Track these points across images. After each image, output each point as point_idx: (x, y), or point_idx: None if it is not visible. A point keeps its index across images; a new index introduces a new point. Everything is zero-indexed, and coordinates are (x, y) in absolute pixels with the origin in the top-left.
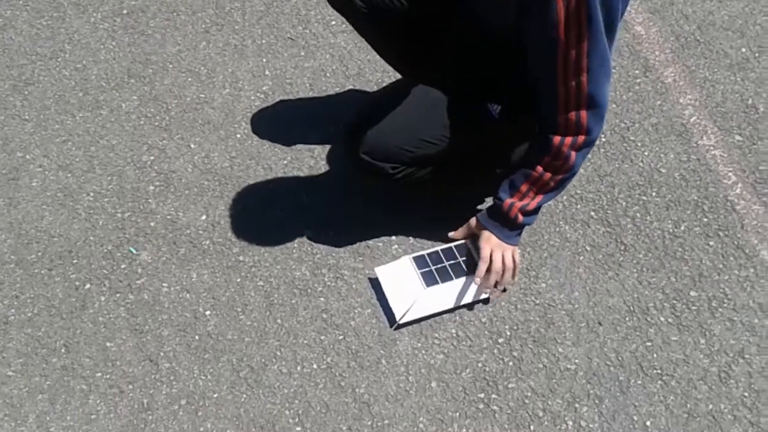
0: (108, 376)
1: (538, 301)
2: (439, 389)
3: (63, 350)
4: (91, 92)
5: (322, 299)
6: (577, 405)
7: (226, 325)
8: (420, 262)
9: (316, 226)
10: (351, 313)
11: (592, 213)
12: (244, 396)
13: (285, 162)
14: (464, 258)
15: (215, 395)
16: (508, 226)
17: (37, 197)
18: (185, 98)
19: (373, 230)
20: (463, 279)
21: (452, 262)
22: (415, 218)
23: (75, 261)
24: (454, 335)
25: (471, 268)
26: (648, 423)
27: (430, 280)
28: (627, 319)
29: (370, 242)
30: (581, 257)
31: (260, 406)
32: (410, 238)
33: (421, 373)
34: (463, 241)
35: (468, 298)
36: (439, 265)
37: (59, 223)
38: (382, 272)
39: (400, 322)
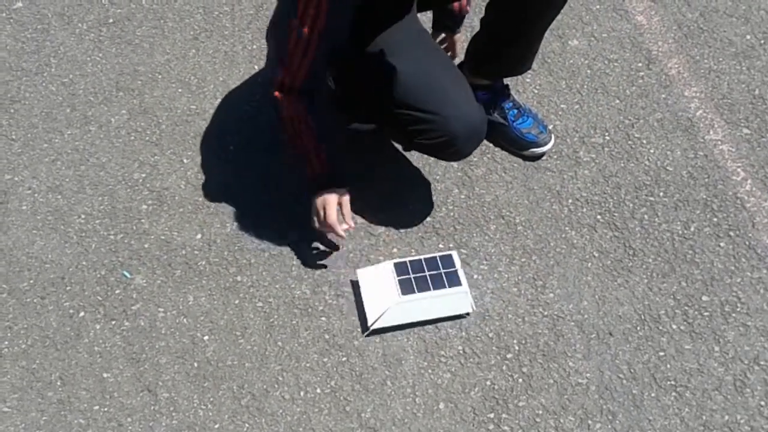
0: (106, 409)
1: (546, 313)
2: (448, 411)
3: (59, 383)
4: (78, 108)
5: (323, 319)
6: (590, 422)
7: (226, 351)
8: (401, 268)
9: (315, 241)
10: (354, 332)
11: (599, 216)
12: (246, 425)
13: (281, 173)
14: (447, 270)
15: (216, 426)
16: None
17: (27, 221)
18: (176, 110)
19: (374, 243)
20: (441, 291)
21: (433, 272)
22: (415, 229)
23: (68, 288)
24: (461, 352)
25: (453, 282)
26: None
27: (407, 288)
28: (638, 328)
29: (371, 256)
30: (589, 264)
31: None
32: (412, 250)
33: (428, 394)
34: (449, 253)
35: (445, 312)
36: (419, 274)
37: (51, 248)
38: (363, 275)
39: (372, 328)
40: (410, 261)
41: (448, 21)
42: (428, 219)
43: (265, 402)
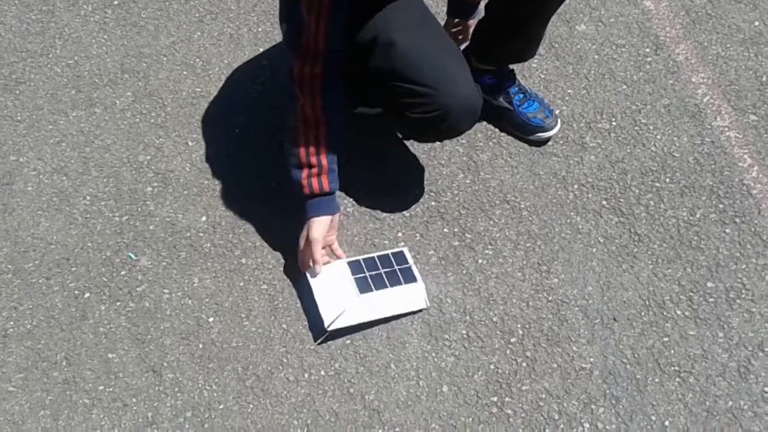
0: (111, 389)
1: (550, 298)
2: (451, 393)
3: (64, 363)
4: (84, 89)
5: None
6: (593, 406)
7: (231, 332)
8: (355, 267)
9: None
10: None
11: (604, 202)
12: (251, 406)
13: None
14: (401, 266)
15: (221, 406)
16: None
17: (32, 202)
18: (181, 93)
19: (378, 227)
20: (398, 288)
21: (388, 269)
22: (419, 213)
23: (73, 269)
24: (465, 336)
25: (408, 278)
26: (666, 423)
27: (364, 286)
28: (643, 313)
29: (376, 240)
30: (594, 249)
31: (268, 416)
32: (417, 234)
33: (432, 377)
34: (400, 250)
35: (402, 309)
36: (374, 272)
37: (56, 229)
38: (315, 275)
39: (329, 329)
40: (363, 259)
41: (463, 7)
42: (433, 203)
43: (269, 383)
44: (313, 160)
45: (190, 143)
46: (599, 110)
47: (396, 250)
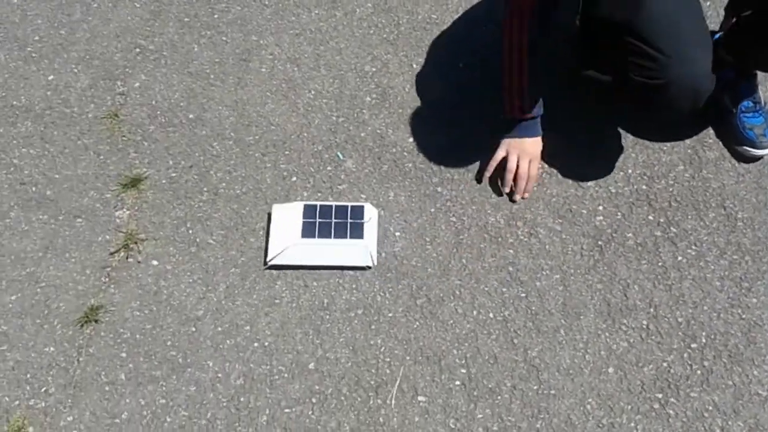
0: (293, 272)
1: (744, 316)
2: (616, 376)
3: (261, 233)
4: None
5: (511, 251)
6: None
7: (412, 251)
8: (309, 211)
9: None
10: (539, 274)
11: None
12: (417, 323)
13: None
14: (354, 220)
15: (390, 314)
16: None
17: (263, 83)
18: (417, 15)
19: (580, 195)
20: (341, 240)
21: (339, 221)
22: (627, 193)
23: (287, 152)
24: (644, 327)
25: (355, 234)
26: None
27: (308, 232)
28: None
29: (573, 207)
30: None
31: (431, 337)
32: (618, 213)
33: (600, 354)
34: (362, 204)
35: (343, 261)
36: (324, 220)
37: (279, 113)
38: (277, 210)
39: (270, 263)
40: (321, 205)
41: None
42: (644, 187)
43: (438, 309)
44: (517, 83)
45: (414, 65)
46: None
47: (357, 203)
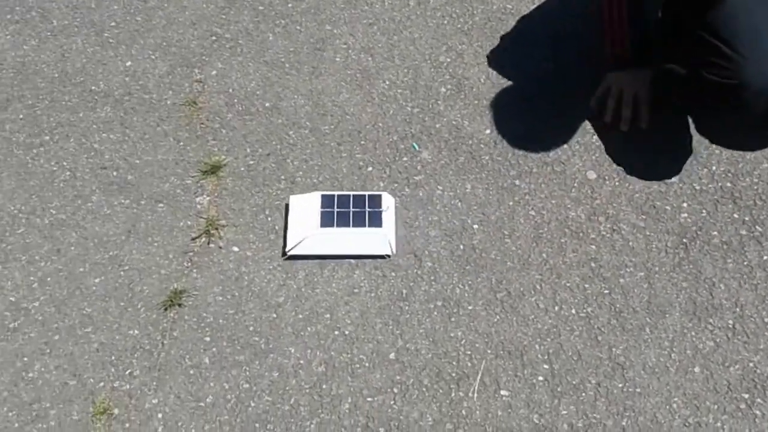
0: (372, 261)
1: None
2: (702, 376)
3: None
4: None
5: (593, 247)
6: None
7: (491, 244)
8: (327, 201)
9: (603, 168)
10: (622, 271)
11: None
12: (497, 317)
13: (584, 97)
14: (372, 209)
15: (470, 307)
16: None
17: (338, 72)
18: (492, 5)
19: (664, 191)
20: (360, 229)
21: (357, 210)
22: (711, 189)
23: (362, 143)
24: (731, 326)
25: (374, 222)
26: None
27: (327, 221)
28: None
29: (657, 203)
30: None
31: (512, 331)
32: (703, 210)
33: (686, 354)
34: (379, 194)
35: (362, 250)
36: (342, 209)
37: (354, 102)
38: (294, 201)
39: (289, 253)
40: (338, 195)
41: None
42: (728, 185)
43: (519, 303)
44: (618, 27)
45: (489, 56)
46: None
47: (375, 193)
